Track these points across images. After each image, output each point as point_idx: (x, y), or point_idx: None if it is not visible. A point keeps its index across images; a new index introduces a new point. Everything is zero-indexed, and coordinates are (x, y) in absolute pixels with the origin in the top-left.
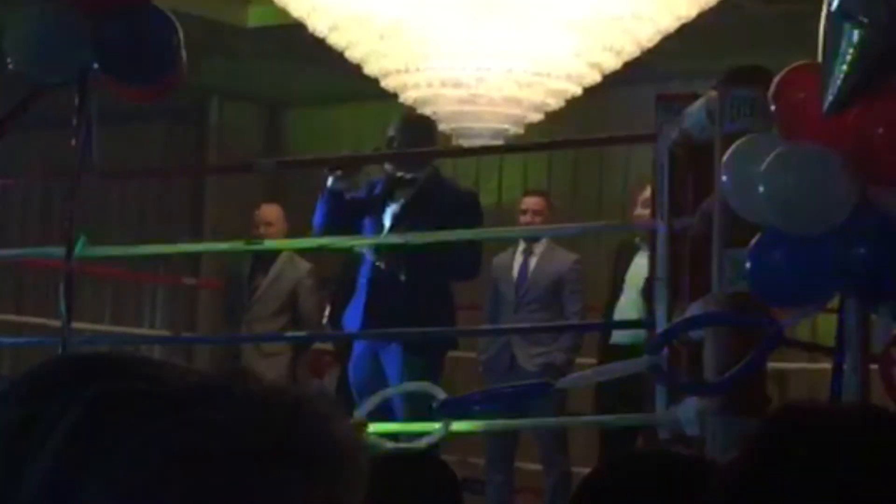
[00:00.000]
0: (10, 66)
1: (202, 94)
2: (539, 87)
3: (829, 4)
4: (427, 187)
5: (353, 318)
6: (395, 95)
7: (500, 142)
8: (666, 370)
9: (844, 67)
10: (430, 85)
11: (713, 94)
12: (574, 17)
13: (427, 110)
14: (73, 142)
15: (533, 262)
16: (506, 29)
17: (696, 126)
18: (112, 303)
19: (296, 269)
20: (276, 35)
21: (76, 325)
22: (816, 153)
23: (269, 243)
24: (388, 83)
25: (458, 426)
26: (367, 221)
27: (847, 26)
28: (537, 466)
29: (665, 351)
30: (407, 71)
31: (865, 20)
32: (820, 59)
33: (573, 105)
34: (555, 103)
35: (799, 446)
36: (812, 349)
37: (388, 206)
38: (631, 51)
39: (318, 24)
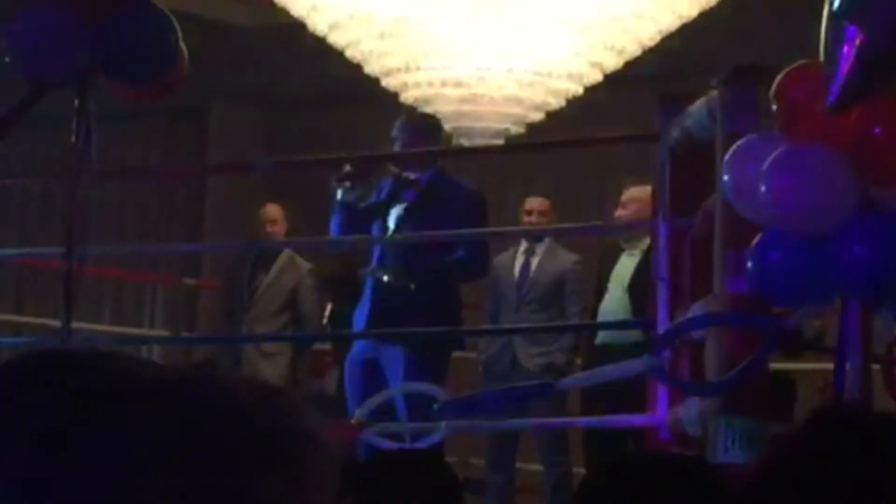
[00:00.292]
0: (10, 66)
1: (202, 94)
2: (540, 87)
3: (831, 4)
4: (431, 187)
5: (358, 323)
6: (395, 95)
7: (501, 141)
8: (667, 371)
9: (846, 67)
10: (430, 84)
11: (715, 93)
12: (575, 17)
13: (428, 110)
14: (73, 140)
15: (535, 261)
16: (506, 28)
17: (697, 125)
18: (112, 303)
19: (296, 269)
20: (276, 34)
21: (76, 324)
22: (818, 153)
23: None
24: (388, 82)
25: (459, 427)
26: (374, 224)
27: (848, 25)
28: (538, 467)
29: (666, 352)
30: (408, 70)
31: (867, 20)
32: (822, 58)
33: (574, 104)
34: (556, 103)
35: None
36: (814, 349)
37: (393, 207)
38: (632, 50)
39: (319, 24)
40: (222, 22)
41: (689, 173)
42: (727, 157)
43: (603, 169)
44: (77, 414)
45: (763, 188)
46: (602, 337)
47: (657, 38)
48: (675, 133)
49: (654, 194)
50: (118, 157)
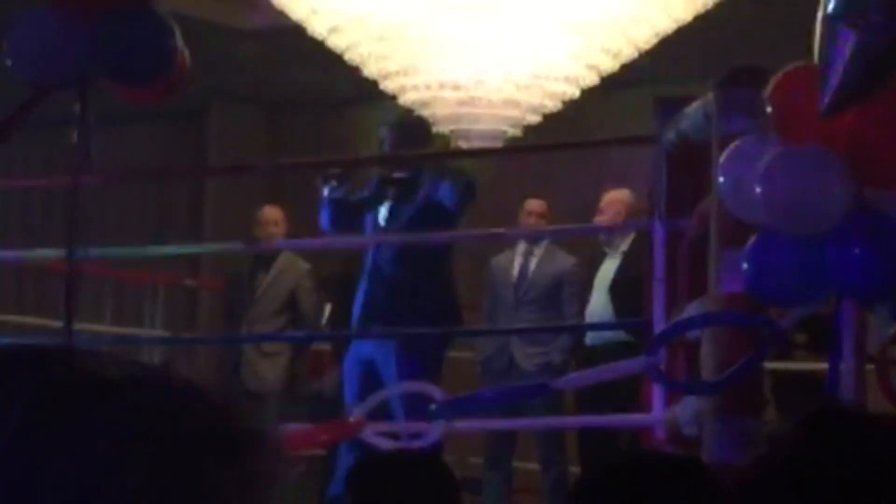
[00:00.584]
0: (11, 69)
1: (202, 96)
2: (537, 89)
3: (825, 6)
4: (413, 182)
5: (355, 310)
6: (394, 98)
7: (498, 144)
8: (663, 370)
9: (841, 69)
10: (428, 87)
11: (711, 95)
12: (571, 20)
13: (426, 112)
14: (74, 142)
15: (533, 263)
16: (504, 31)
17: (693, 127)
18: (112, 303)
19: (295, 270)
20: (275, 37)
21: (77, 325)
22: (813, 154)
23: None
24: (387, 85)
25: (456, 426)
26: (367, 220)
27: (843, 28)
28: (535, 466)
29: (663, 351)
30: (406, 73)
31: (861, 22)
32: (816, 60)
33: (571, 107)
34: (553, 105)
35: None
36: (809, 349)
37: (382, 204)
38: (628, 53)
39: (318, 27)
40: (222, 24)
41: (685, 175)
42: (723, 158)
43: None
44: (51, 407)
45: (758, 189)
46: (590, 338)
47: (653, 41)
48: (671, 135)
49: (637, 196)
50: (118, 158)
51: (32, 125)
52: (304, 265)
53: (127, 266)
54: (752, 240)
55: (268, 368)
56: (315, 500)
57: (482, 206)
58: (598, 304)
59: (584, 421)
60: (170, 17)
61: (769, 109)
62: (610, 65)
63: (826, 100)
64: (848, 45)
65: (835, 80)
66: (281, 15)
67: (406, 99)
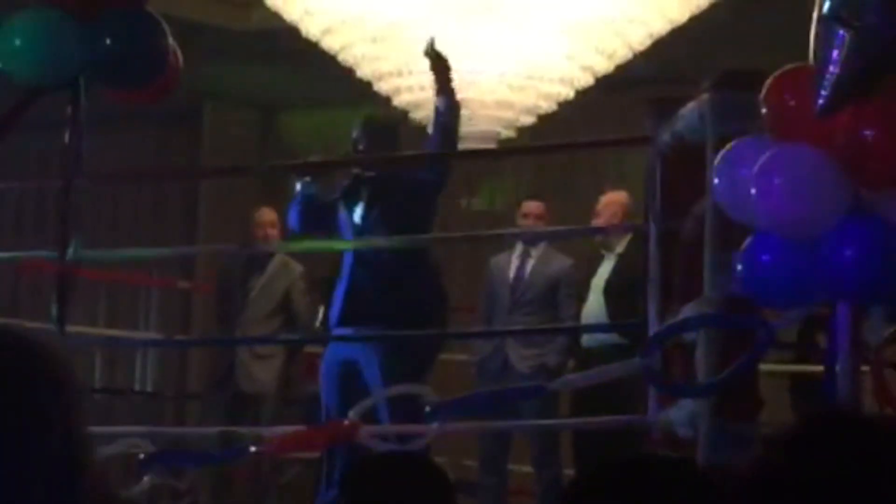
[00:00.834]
0: (4, 71)
1: (196, 98)
2: (531, 91)
3: (821, 7)
4: (385, 181)
5: (335, 308)
6: (388, 99)
7: (492, 145)
8: (658, 372)
9: (836, 70)
10: (422, 88)
11: (706, 96)
12: (566, 21)
13: (420, 113)
14: (67, 143)
15: (530, 264)
16: (498, 32)
17: (688, 129)
18: (106, 306)
19: (289, 272)
20: (269, 38)
21: (70, 328)
22: (808, 156)
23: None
24: (381, 86)
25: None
26: (341, 219)
27: (838, 29)
28: (530, 468)
29: (657, 353)
30: (400, 74)
31: (856, 23)
32: (811, 61)
33: (565, 108)
34: (547, 106)
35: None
36: (804, 351)
37: (357, 204)
38: (623, 54)
39: (311, 28)
40: (216, 25)
41: (680, 176)
42: (718, 160)
43: (594, 172)
44: None
45: (753, 191)
46: (586, 340)
47: (648, 42)
48: (666, 136)
49: (634, 198)
50: (112, 159)
51: (27, 127)
52: (298, 267)
53: (121, 268)
54: (747, 241)
55: (262, 371)
56: (309, 503)
57: (477, 210)
58: (594, 306)
59: (577, 423)
60: (162, 18)
61: (764, 111)
62: (605, 66)
63: (821, 101)
64: (843, 45)
65: (830, 80)
66: (275, 16)
67: (400, 100)
